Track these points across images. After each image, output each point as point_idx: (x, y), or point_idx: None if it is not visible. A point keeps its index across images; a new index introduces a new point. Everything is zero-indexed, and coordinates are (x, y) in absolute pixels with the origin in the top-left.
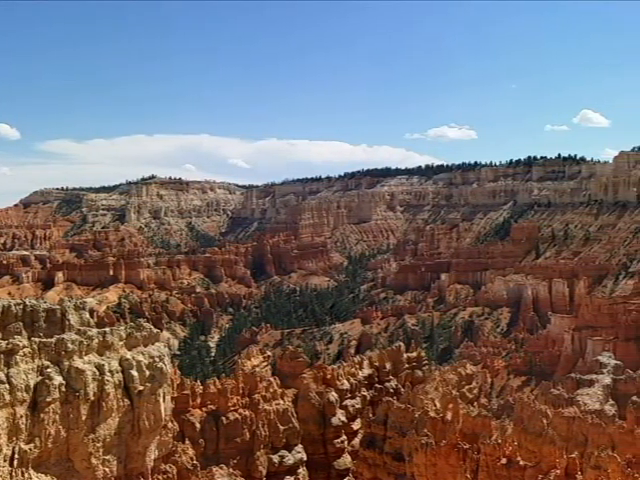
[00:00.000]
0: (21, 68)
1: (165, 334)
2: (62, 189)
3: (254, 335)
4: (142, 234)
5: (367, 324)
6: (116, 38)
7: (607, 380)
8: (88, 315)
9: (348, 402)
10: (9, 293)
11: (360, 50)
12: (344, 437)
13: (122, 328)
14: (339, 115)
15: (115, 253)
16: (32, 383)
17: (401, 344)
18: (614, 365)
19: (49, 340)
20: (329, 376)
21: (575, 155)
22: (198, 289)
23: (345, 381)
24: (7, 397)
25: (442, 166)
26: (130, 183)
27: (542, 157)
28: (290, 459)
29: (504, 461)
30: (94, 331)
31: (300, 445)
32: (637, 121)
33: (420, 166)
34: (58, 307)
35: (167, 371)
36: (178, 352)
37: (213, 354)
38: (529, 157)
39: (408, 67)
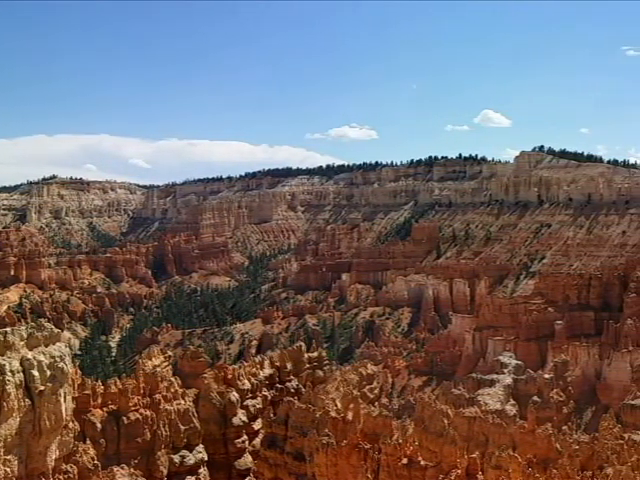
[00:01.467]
0: None
1: (66, 334)
2: None
3: (155, 335)
4: (43, 234)
5: (268, 324)
6: (15, 37)
7: (508, 380)
8: None
9: (249, 402)
10: None
11: (260, 50)
12: (245, 437)
13: (23, 328)
14: (240, 115)
15: (16, 253)
16: None
17: (302, 344)
18: (515, 365)
19: None
20: (230, 376)
21: (476, 155)
22: (99, 289)
23: (246, 381)
24: None
25: (343, 166)
26: (31, 183)
27: (443, 157)
28: (191, 459)
29: (405, 461)
30: None
31: (201, 445)
32: (538, 121)
33: (321, 166)
34: None
35: (68, 371)
36: (79, 352)
37: (114, 354)
38: (430, 157)
39: (309, 67)
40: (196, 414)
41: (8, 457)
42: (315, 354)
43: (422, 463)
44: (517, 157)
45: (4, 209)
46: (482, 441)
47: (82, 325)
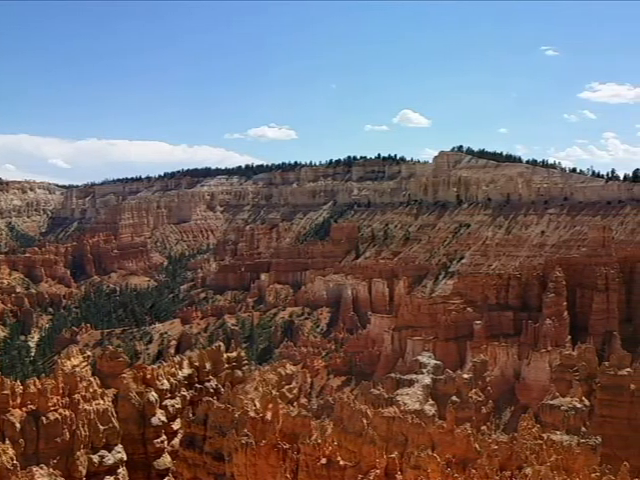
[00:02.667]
0: None
1: None
2: None
3: (74, 335)
4: None
5: (187, 324)
6: None
7: (427, 380)
8: None
9: (168, 402)
10: None
11: (179, 49)
12: (164, 437)
13: None
14: (159, 115)
15: None
16: None
17: (221, 344)
18: (434, 365)
19: None
20: (149, 376)
21: (395, 155)
22: (18, 289)
23: (165, 381)
24: None
25: (262, 166)
26: None
27: (362, 157)
28: (110, 459)
29: (324, 461)
30: None
31: (120, 445)
32: (456, 121)
33: (240, 166)
34: None
35: None
36: None
37: (33, 354)
38: (349, 157)
39: (228, 66)
40: (115, 414)
41: None
42: (234, 354)
43: (341, 463)
44: (436, 157)
45: None
46: (401, 441)
47: (1, 325)
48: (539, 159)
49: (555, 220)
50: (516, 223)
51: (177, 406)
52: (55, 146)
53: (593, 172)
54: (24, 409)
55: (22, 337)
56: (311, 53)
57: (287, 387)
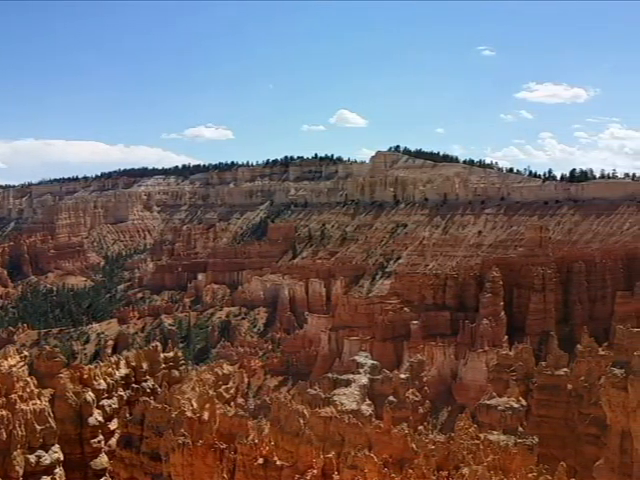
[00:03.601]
0: None
1: None
2: None
3: (11, 335)
4: None
5: (124, 324)
6: None
7: (364, 380)
8: None
9: (105, 402)
10: None
11: (116, 49)
12: (101, 437)
13: None
14: (96, 115)
15: None
16: None
17: (158, 344)
18: (371, 365)
19: None
20: (86, 376)
21: (332, 155)
22: None
23: (102, 381)
24: None
25: (199, 166)
26: None
27: (299, 157)
28: (47, 459)
29: (261, 461)
30: None
31: (57, 445)
32: (393, 121)
33: (177, 166)
34: None
35: None
36: None
37: None
38: (286, 157)
39: (165, 66)
40: (52, 414)
41: None
42: (171, 354)
43: (278, 463)
44: (373, 157)
45: None
46: (338, 441)
47: None
48: (476, 159)
49: (492, 220)
50: (453, 223)
51: (114, 406)
52: None
53: (530, 172)
54: None
55: None
56: (248, 53)
57: (224, 387)
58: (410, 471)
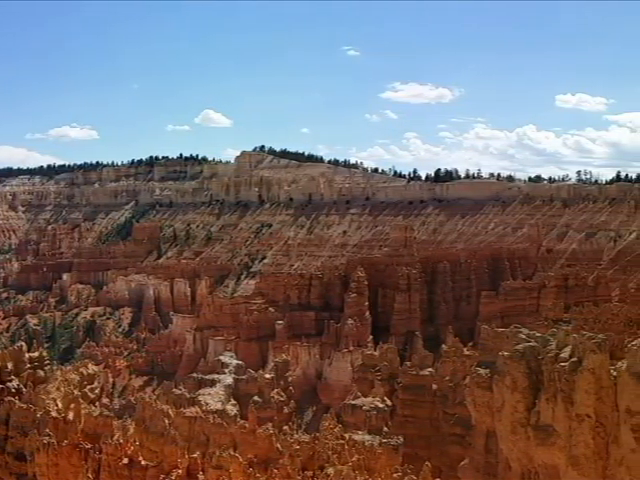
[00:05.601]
0: None
1: None
2: None
3: None
4: None
5: None
6: None
7: (229, 380)
8: None
9: None
10: None
11: None
12: None
13: None
14: None
15: None
16: None
17: (23, 344)
18: (235, 365)
19: None
20: None
21: (197, 155)
22: None
23: None
24: None
25: (64, 166)
26: None
27: (164, 157)
28: None
29: (126, 461)
30: None
31: None
32: (258, 121)
33: (42, 166)
34: None
35: None
36: None
37: None
38: (151, 157)
39: (28, 66)
40: None
41: None
42: (36, 354)
43: (143, 463)
44: (238, 157)
45: None
46: (203, 441)
47: None
48: (341, 159)
49: (357, 220)
50: (318, 223)
51: None
52: None
53: (395, 172)
54: None
55: None
56: (112, 53)
57: (89, 387)
58: (275, 471)
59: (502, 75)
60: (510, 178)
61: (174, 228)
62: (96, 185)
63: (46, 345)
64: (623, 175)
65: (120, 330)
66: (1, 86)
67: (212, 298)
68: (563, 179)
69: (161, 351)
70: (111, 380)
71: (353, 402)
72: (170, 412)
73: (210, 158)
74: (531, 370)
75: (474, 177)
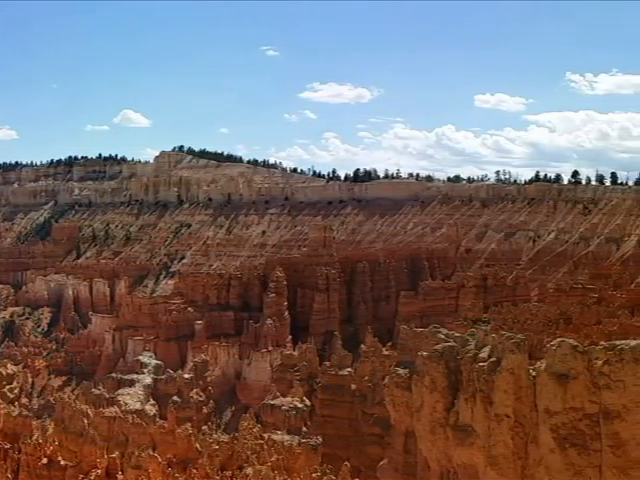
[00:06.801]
0: None
1: None
2: None
3: None
4: None
5: None
6: None
7: (148, 380)
8: None
9: None
10: None
11: None
12: None
13: None
14: None
15: None
16: None
17: None
18: (155, 365)
19: None
20: None
21: (116, 155)
22: None
23: None
24: None
25: None
26: None
27: (83, 157)
28: None
29: (45, 461)
30: None
31: None
32: (177, 121)
33: None
34: None
35: None
36: None
37: None
38: (70, 157)
39: None
40: None
41: None
42: None
43: (62, 463)
44: (157, 157)
45: None
46: (122, 441)
47: None
48: (260, 159)
49: (276, 220)
50: (237, 223)
51: None
52: None
53: (314, 172)
54: None
55: None
56: (31, 53)
57: (8, 387)
58: (194, 471)
59: (421, 75)
60: (429, 178)
61: (93, 228)
62: (15, 185)
63: None
64: (542, 175)
65: (39, 330)
66: None
67: (131, 298)
68: (482, 179)
69: (80, 351)
70: (30, 380)
71: (272, 402)
72: (89, 412)
73: (129, 158)
74: (450, 370)
75: (393, 177)
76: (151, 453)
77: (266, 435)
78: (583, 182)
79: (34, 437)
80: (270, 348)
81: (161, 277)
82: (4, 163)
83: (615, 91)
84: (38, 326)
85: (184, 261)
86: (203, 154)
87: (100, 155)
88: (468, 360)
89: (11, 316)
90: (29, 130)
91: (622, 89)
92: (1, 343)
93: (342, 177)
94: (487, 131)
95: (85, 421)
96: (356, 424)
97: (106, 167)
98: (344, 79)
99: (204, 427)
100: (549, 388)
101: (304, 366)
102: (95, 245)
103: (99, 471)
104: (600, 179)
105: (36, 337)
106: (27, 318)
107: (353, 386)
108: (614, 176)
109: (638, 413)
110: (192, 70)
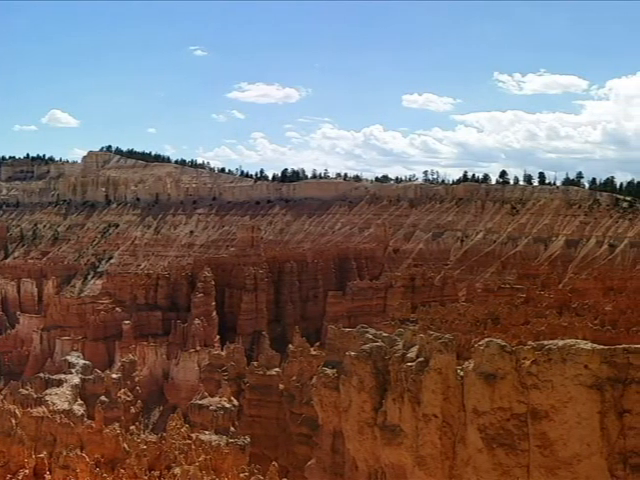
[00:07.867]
0: None
1: None
2: None
3: None
4: None
5: None
6: None
7: (76, 380)
8: None
9: None
10: None
11: None
12: None
13: None
14: None
15: None
16: None
17: None
18: (83, 365)
19: None
20: None
21: (44, 155)
22: None
23: None
24: None
25: None
26: None
27: (11, 157)
28: None
29: None
30: None
31: None
32: (105, 121)
33: None
34: None
35: None
36: None
37: None
38: None
39: None
40: None
41: None
42: None
43: None
44: (85, 157)
45: None
46: (50, 441)
47: None
48: (188, 159)
49: (204, 220)
50: (165, 223)
51: None
52: None
53: (242, 172)
54: None
55: None
56: None
57: None
58: (122, 471)
59: (348, 75)
60: (357, 178)
61: (21, 228)
62: None
63: None
64: (470, 175)
65: None
66: None
67: (59, 298)
68: (410, 179)
69: (8, 351)
70: None
71: (200, 402)
72: (17, 412)
73: (57, 158)
74: (378, 370)
75: (321, 177)
76: (79, 453)
77: (194, 435)
78: (511, 182)
79: None
80: (198, 348)
81: (89, 277)
82: None
83: (543, 91)
84: None
85: (112, 261)
86: (131, 154)
87: (28, 155)
88: (396, 360)
89: None
90: None
91: (550, 89)
92: None
93: (270, 177)
94: (415, 131)
95: (13, 421)
96: (284, 424)
97: (34, 167)
98: (272, 79)
99: (132, 427)
100: (477, 388)
101: (232, 366)
102: (23, 245)
103: (27, 471)
104: (528, 179)
105: None
106: None
107: (281, 386)
108: (542, 176)
109: (566, 413)
110: (120, 70)
